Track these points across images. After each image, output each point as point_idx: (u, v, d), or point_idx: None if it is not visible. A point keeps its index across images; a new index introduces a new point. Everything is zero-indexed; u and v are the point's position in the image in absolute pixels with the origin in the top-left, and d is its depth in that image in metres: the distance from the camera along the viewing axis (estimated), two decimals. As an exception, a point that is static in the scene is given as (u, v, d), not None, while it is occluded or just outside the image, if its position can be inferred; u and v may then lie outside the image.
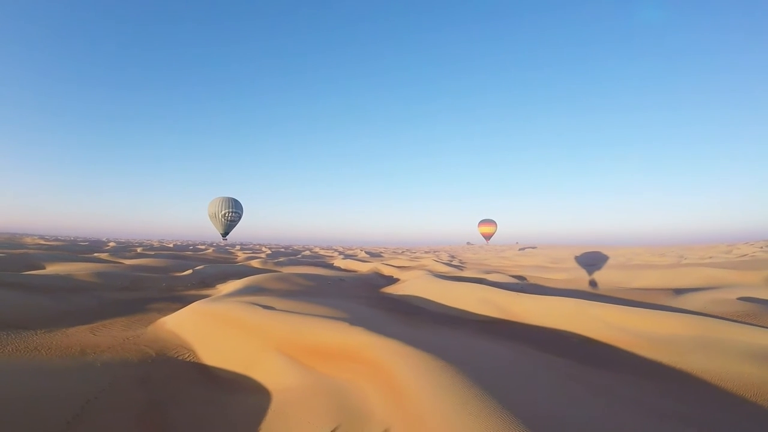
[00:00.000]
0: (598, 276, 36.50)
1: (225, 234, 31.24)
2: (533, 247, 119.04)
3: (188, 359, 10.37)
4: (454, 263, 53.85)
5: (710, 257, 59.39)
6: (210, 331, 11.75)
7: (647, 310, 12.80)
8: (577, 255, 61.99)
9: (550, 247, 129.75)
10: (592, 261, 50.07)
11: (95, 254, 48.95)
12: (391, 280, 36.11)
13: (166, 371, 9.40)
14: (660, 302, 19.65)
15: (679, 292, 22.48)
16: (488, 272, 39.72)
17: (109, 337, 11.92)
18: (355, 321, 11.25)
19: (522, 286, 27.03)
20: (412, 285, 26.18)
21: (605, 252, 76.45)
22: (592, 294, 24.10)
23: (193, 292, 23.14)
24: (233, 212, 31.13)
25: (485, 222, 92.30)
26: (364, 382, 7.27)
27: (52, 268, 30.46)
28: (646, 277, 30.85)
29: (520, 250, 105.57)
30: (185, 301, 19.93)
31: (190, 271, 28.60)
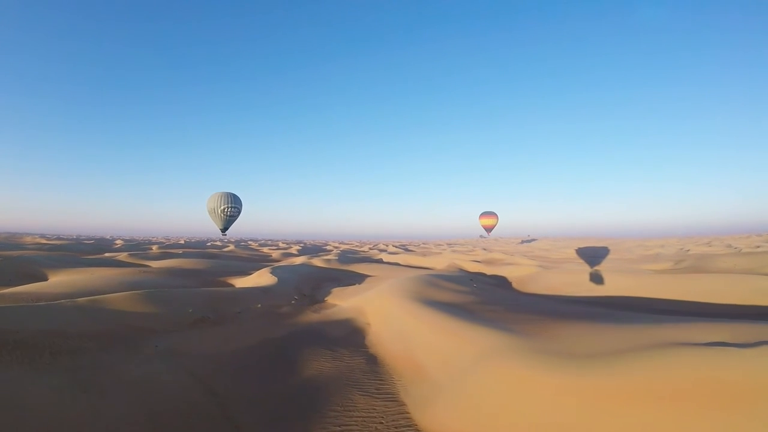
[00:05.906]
0: (714, 264, 29.42)
1: (224, 229, 28.50)
2: (529, 241, 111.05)
3: None
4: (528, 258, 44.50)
5: (758, 246, 54.37)
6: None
7: None
8: (583, 247, 55.35)
9: (551, 240, 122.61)
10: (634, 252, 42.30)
11: (106, 254, 37.04)
12: (501, 279, 26.84)
13: None
14: None
15: None
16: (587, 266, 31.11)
17: None
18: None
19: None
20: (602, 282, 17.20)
21: (619, 245, 69.76)
22: None
23: (314, 316, 12.71)
24: (232, 207, 27.82)
25: (487, 214, 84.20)
26: None
27: (57, 278, 19.23)
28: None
29: (521, 242, 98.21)
30: (332, 341, 9.56)
31: (273, 279, 17.99)
